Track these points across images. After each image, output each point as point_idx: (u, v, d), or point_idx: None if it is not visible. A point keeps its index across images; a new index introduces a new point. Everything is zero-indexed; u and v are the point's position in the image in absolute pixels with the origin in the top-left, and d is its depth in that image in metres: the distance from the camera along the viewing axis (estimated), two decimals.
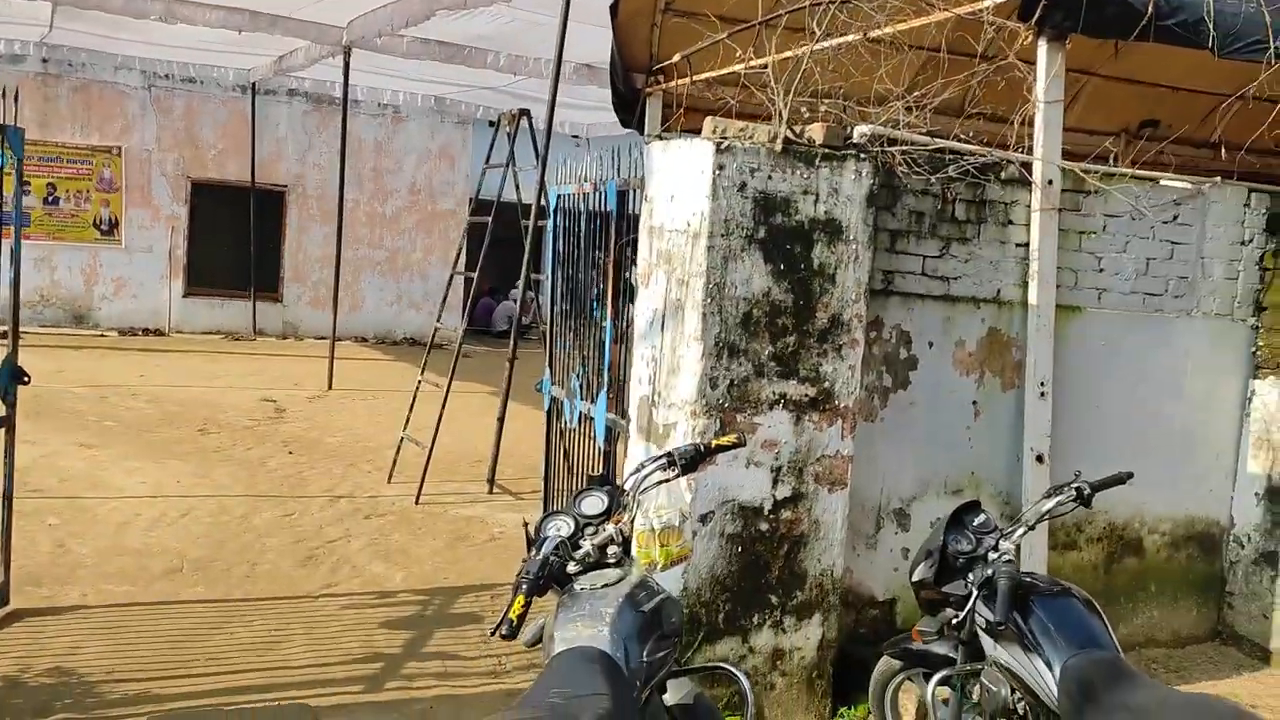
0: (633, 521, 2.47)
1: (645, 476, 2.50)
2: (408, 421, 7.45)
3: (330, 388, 10.85)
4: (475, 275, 7.72)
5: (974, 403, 4.10)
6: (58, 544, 5.44)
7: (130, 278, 14.08)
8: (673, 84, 7.19)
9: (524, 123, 7.82)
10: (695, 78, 4.45)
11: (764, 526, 3.57)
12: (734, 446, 2.66)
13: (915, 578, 2.81)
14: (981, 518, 2.79)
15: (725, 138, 3.49)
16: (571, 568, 2.40)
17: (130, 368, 11.11)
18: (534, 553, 2.34)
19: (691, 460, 2.54)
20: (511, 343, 7.68)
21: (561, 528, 2.48)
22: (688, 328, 3.52)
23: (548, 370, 5.36)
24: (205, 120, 14.28)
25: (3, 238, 4.67)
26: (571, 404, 4.92)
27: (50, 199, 13.52)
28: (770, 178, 3.48)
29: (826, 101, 3.78)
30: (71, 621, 4.44)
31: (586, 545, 2.44)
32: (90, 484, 6.60)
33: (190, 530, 5.82)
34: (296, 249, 15.03)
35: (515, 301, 18.34)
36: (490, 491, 7.17)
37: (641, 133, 7.55)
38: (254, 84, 14.24)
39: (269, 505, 6.40)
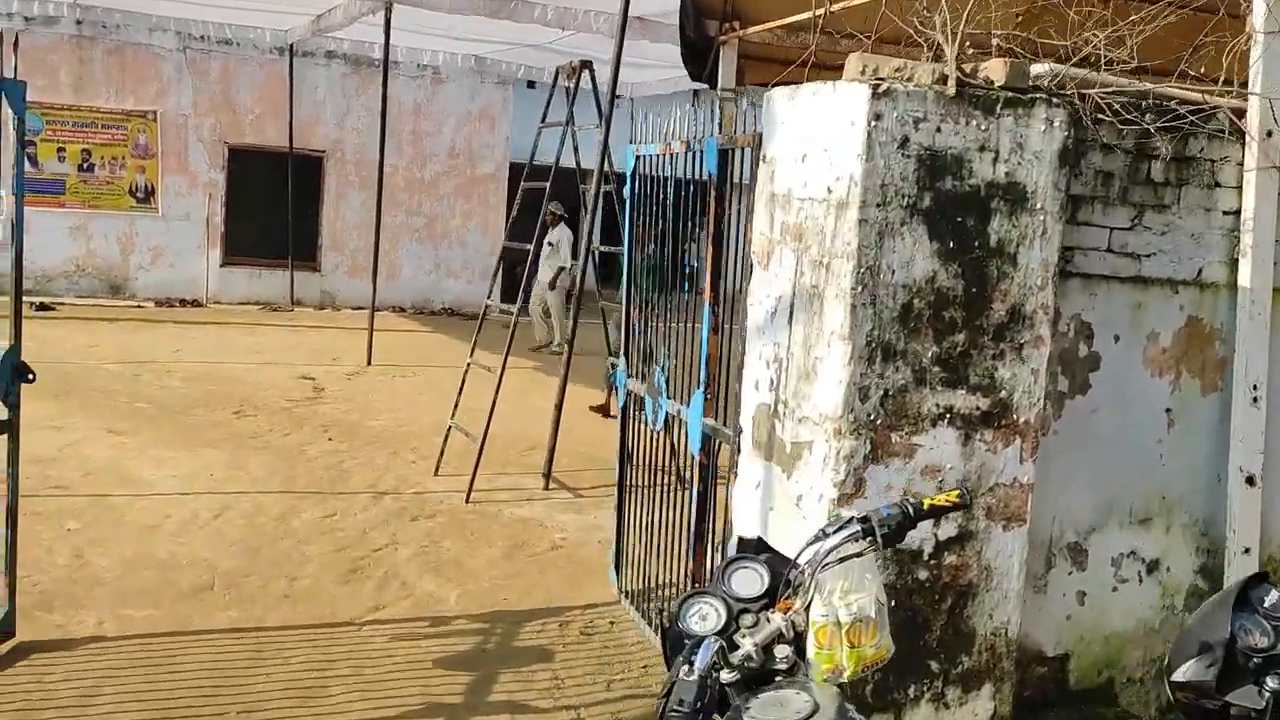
0: (808, 610, 1.76)
1: (830, 550, 1.78)
2: (456, 407, 6.77)
3: (369, 363, 10.23)
4: (533, 248, 6.95)
5: (1168, 410, 3.32)
6: (76, 554, 4.85)
7: (167, 247, 13.56)
8: (752, 30, 6.39)
9: (575, 80, 7.01)
10: (833, 6, 3.65)
11: (923, 575, 2.84)
12: (955, 508, 1.92)
13: (1181, 677, 2.06)
14: (1275, 596, 2.03)
15: (881, 79, 2.72)
16: (726, 676, 1.70)
17: (166, 341, 10.58)
18: (681, 667, 1.62)
19: (898, 528, 1.81)
20: (571, 322, 7.00)
21: (709, 616, 1.77)
22: (829, 322, 2.78)
23: (622, 359, 4.62)
24: (242, 84, 13.66)
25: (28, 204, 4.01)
26: (655, 402, 4.20)
27: (85, 165, 13.00)
28: (939, 130, 2.71)
29: (998, 35, 2.99)
30: (84, 658, 3.82)
31: (746, 645, 1.73)
32: (117, 478, 6.01)
33: (224, 535, 5.21)
34: (334, 216, 14.42)
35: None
36: (546, 487, 6.48)
37: (713, 87, 6.76)
38: (291, 45, 13.57)
39: (309, 504, 5.78)
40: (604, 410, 8.37)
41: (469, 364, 6.89)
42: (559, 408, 6.47)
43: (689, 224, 3.96)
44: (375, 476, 6.44)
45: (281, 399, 8.40)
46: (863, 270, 2.70)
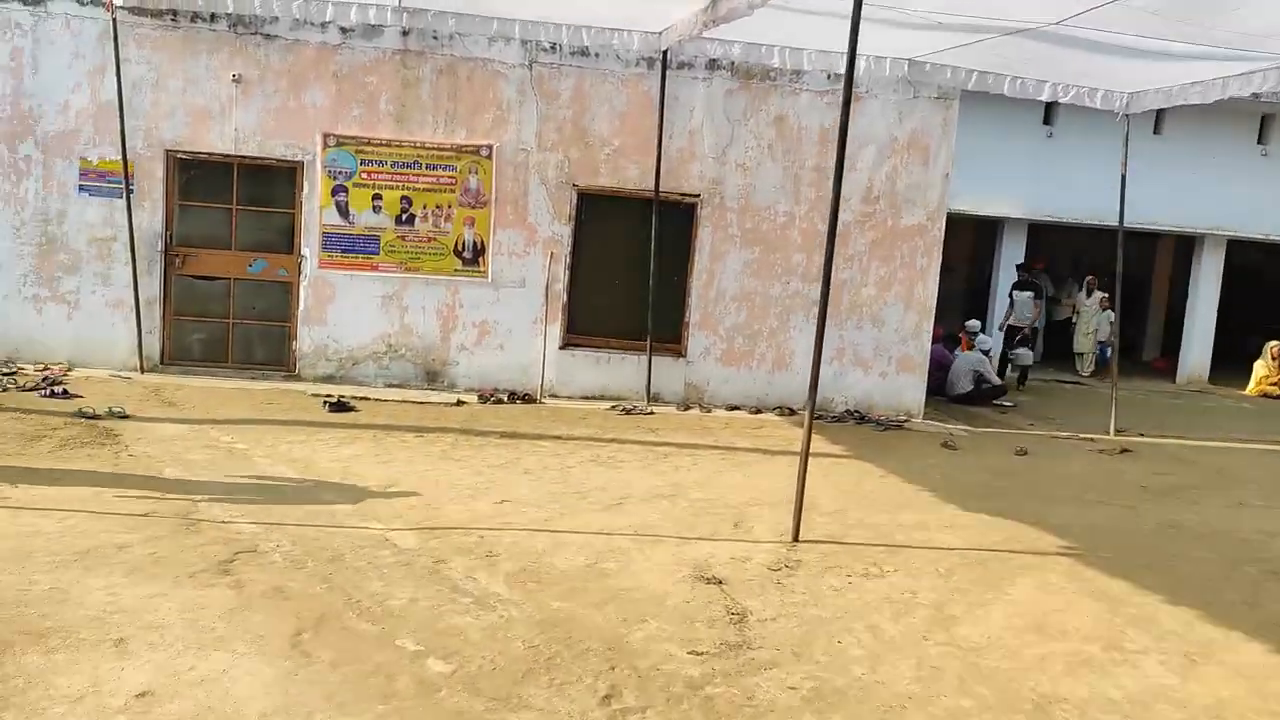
0: None
1: None
2: None
3: (796, 536, 6.13)
4: None
5: None
6: None
7: (497, 322, 10.43)
8: None
9: None
10: None
11: None
12: None
13: None
14: None
15: None
16: None
17: (488, 479, 7.10)
18: None
19: None
20: None
21: None
22: None
23: None
24: (598, 107, 10.34)
25: None
26: None
27: (404, 217, 10.14)
28: None
29: None
30: None
31: None
32: None
33: None
34: (707, 283, 10.69)
35: (986, 350, 12.86)
36: None
37: None
38: (665, 54, 10.07)
39: None
40: None
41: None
42: None
43: None
44: None
45: (677, 644, 4.43)
46: None
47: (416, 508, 6.20)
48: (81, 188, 9.84)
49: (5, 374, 9.16)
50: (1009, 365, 14.71)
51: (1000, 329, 15.14)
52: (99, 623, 4.17)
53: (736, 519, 6.54)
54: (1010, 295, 15.35)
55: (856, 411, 10.64)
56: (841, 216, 10.57)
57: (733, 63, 10.25)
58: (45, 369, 9.55)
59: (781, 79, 10.43)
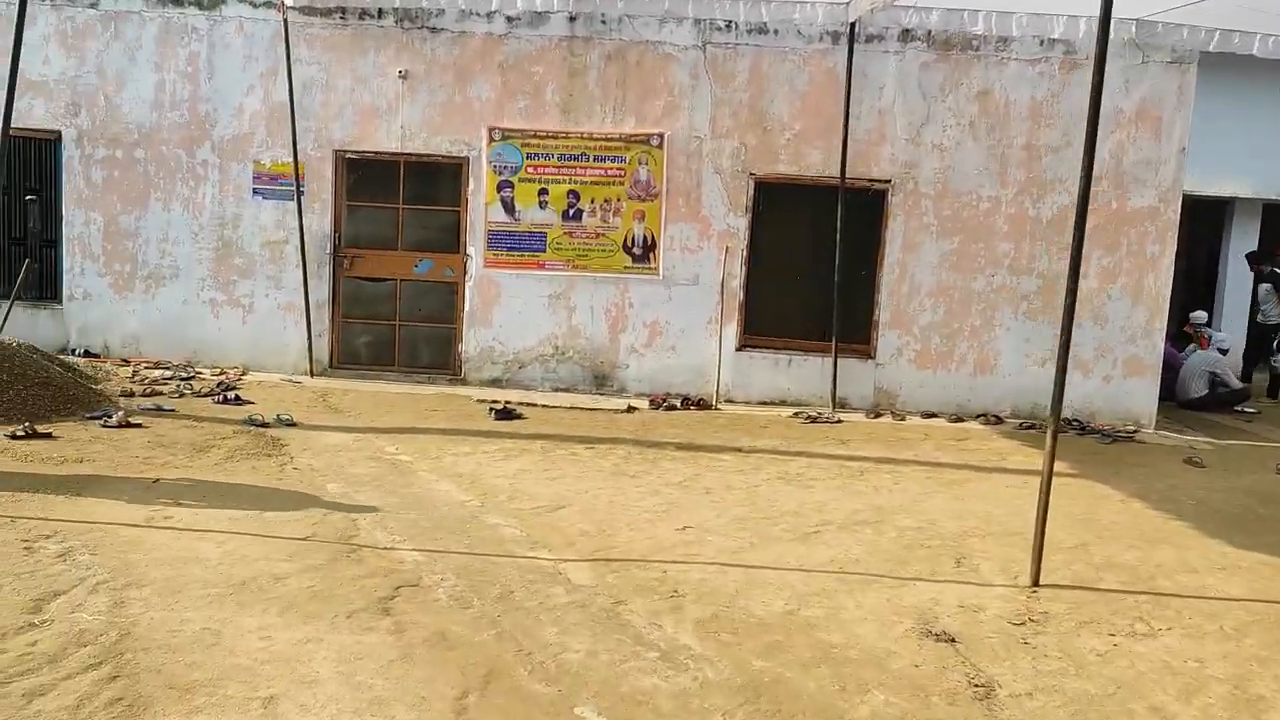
0: None
1: None
2: None
3: (1036, 580, 5.14)
4: None
5: None
6: None
7: (668, 322, 9.76)
8: None
9: None
10: None
11: None
12: None
13: None
14: None
15: None
16: None
17: (665, 500, 6.42)
18: None
19: None
20: None
21: None
22: None
23: None
24: (777, 89, 9.49)
25: None
26: None
27: (570, 212, 9.60)
28: None
29: None
30: None
31: None
32: None
33: None
34: (899, 277, 9.67)
35: (1224, 348, 11.27)
36: None
37: None
38: (852, 26, 9.13)
39: None
40: None
41: None
42: None
43: None
44: None
45: None
46: None
47: (590, 534, 5.57)
48: (255, 191, 9.78)
49: (184, 379, 9.16)
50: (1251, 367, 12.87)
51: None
52: (249, 675, 3.70)
53: (956, 554, 5.59)
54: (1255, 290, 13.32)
55: (1076, 420, 9.37)
56: (1056, 200, 9.38)
57: (929, 32, 9.20)
58: (221, 373, 9.53)
59: (986, 48, 9.29)
